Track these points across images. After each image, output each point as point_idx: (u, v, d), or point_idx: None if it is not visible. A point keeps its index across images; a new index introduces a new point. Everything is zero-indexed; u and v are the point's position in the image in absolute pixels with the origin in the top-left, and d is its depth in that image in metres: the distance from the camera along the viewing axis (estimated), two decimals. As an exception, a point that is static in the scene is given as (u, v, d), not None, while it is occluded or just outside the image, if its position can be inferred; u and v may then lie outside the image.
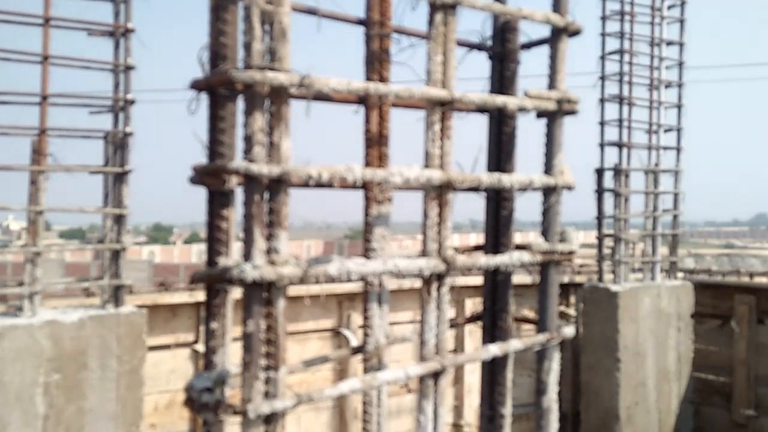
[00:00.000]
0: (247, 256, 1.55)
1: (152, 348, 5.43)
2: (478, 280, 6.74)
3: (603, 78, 7.24)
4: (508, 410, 2.25)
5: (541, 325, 2.11)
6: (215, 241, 1.76)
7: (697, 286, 8.09)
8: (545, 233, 2.09)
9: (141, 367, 4.84)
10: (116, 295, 4.86)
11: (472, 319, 2.38)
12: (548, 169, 2.09)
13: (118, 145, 4.84)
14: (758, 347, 7.98)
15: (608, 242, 7.55)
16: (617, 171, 7.35)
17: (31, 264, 4.65)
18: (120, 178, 4.86)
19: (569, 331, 2.15)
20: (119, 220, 4.88)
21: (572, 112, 2.09)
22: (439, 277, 1.86)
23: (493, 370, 2.28)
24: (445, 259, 1.84)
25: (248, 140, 1.55)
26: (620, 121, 7.24)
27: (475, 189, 2.15)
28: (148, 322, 5.03)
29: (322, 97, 2.00)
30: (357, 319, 6.37)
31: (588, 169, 7.48)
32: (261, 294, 1.55)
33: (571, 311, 8.34)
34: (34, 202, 4.60)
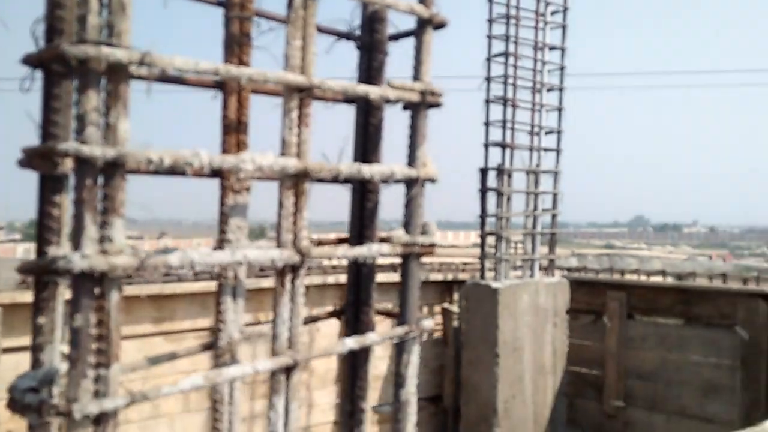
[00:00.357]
0: (76, 245, 1.44)
1: (11, 350, 5.08)
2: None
3: (488, 80, 7.40)
4: (367, 405, 2.22)
5: (401, 318, 2.09)
6: (46, 229, 1.63)
7: (573, 283, 8.42)
8: (407, 226, 2.07)
9: None
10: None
11: (334, 313, 2.33)
12: (411, 161, 2.07)
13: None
14: (627, 341, 8.38)
15: (491, 240, 7.73)
16: (500, 171, 7.53)
17: None
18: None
19: (428, 324, 2.14)
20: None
21: (436, 105, 2.08)
22: (294, 269, 1.79)
23: (354, 364, 2.24)
24: (299, 250, 1.78)
25: (81, 120, 1.43)
26: (504, 122, 7.42)
27: (336, 180, 2.10)
28: (7, 322, 4.71)
29: (173, 79, 1.90)
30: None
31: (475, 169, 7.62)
32: (91, 286, 1.44)
33: (455, 308, 8.49)
34: None
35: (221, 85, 1.92)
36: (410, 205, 2.08)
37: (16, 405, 1.51)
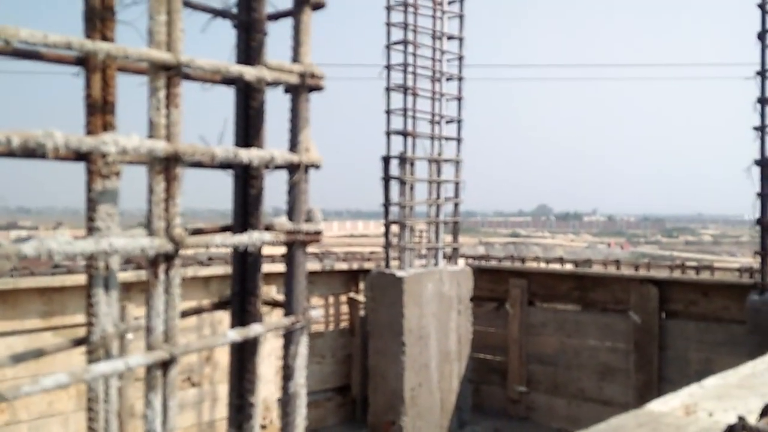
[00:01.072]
0: None
1: None
2: (272, 267, 6.59)
3: (389, 68, 7.39)
4: (257, 399, 2.15)
5: (287, 308, 2.03)
6: None
7: (477, 271, 8.55)
8: (290, 213, 2.00)
9: None
10: None
11: (220, 305, 2.24)
12: (293, 146, 2.00)
13: None
14: (529, 328, 8.59)
15: (395, 229, 7.75)
16: (402, 159, 7.54)
17: None
18: None
19: (316, 313, 2.08)
20: None
21: (318, 88, 2.01)
22: (167, 258, 1.69)
23: (242, 357, 2.16)
24: (172, 238, 1.68)
25: None
26: (405, 110, 7.43)
27: (214, 165, 2.01)
28: None
29: (29, 54, 1.76)
30: (133, 311, 5.98)
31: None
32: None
33: (360, 297, 8.48)
34: None
35: (83, 62, 1.79)
36: (293, 192, 2.01)
37: None
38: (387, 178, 7.52)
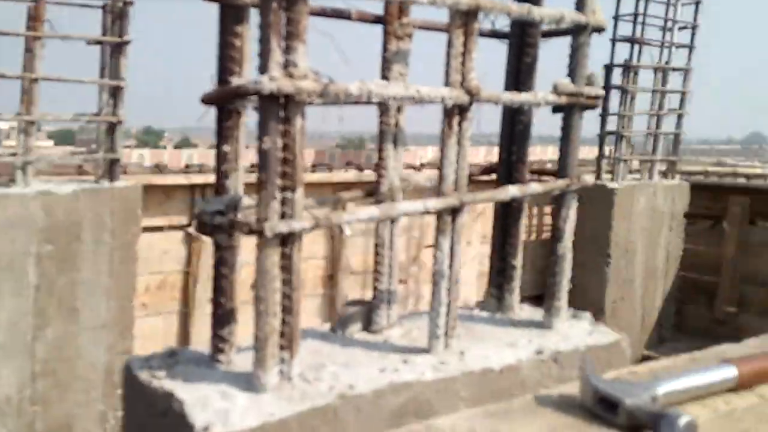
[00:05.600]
0: (262, 68, 1.45)
1: (145, 229, 5.32)
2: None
3: (615, -31, 6.97)
4: (518, 262, 2.23)
5: (561, 171, 2.05)
6: (227, 59, 1.66)
7: (694, 187, 8.07)
8: (572, 75, 1.99)
9: (134, 242, 4.74)
10: (111, 170, 4.74)
11: (487, 170, 2.31)
12: (580, 7, 1.97)
13: (117, 14, 4.60)
14: (747, 247, 8.03)
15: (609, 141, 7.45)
16: (627, 67, 7.18)
17: (25, 134, 4.48)
18: (118, 48, 4.63)
19: (589, 178, 2.09)
20: (116, 92, 4.69)
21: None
22: (461, 110, 1.77)
23: (505, 223, 2.23)
24: (468, 90, 1.74)
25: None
26: (635, 15, 7.01)
27: (492, 35, 2.04)
28: (142, 202, 4.90)
29: None
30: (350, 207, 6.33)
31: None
32: (277, 109, 1.46)
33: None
34: (29, 69, 4.40)
35: None
36: (576, 55, 2.00)
37: (205, 227, 1.58)
38: (608, 87, 7.18)
